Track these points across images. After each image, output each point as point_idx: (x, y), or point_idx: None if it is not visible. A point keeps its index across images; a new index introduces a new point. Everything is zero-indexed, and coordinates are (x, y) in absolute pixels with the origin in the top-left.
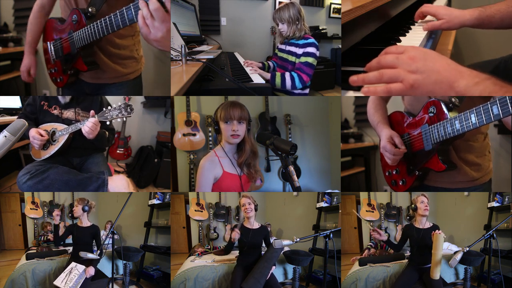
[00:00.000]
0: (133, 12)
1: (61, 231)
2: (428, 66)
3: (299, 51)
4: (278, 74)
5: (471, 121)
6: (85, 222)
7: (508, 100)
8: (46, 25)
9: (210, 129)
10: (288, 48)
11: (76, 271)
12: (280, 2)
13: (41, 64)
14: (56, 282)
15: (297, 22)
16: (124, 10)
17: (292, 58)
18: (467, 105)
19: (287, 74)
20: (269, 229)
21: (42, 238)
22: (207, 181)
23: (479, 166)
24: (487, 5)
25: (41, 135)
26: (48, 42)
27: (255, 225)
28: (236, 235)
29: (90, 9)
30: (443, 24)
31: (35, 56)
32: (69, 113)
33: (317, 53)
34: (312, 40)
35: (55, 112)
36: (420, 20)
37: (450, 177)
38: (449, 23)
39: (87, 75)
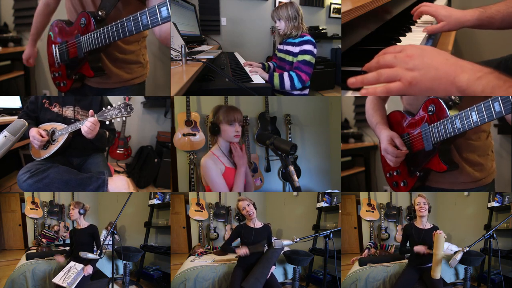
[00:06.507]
0: (148, 19)
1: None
2: (425, 63)
3: (296, 49)
4: (276, 74)
5: (472, 119)
6: (83, 223)
7: (510, 97)
8: (52, 27)
9: None
10: (286, 47)
11: (75, 269)
12: (280, 2)
13: (41, 65)
14: (55, 280)
15: (295, 20)
16: (138, 15)
17: (289, 58)
18: (468, 103)
19: (286, 74)
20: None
21: (40, 238)
22: (218, 176)
23: (482, 166)
24: (487, 6)
25: (42, 136)
26: (54, 45)
27: (258, 224)
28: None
29: (100, 13)
30: (444, 27)
31: (35, 48)
32: (68, 112)
33: (315, 51)
34: (308, 37)
35: (55, 109)
36: (418, 20)
37: (452, 177)
38: (450, 25)
39: (92, 80)
